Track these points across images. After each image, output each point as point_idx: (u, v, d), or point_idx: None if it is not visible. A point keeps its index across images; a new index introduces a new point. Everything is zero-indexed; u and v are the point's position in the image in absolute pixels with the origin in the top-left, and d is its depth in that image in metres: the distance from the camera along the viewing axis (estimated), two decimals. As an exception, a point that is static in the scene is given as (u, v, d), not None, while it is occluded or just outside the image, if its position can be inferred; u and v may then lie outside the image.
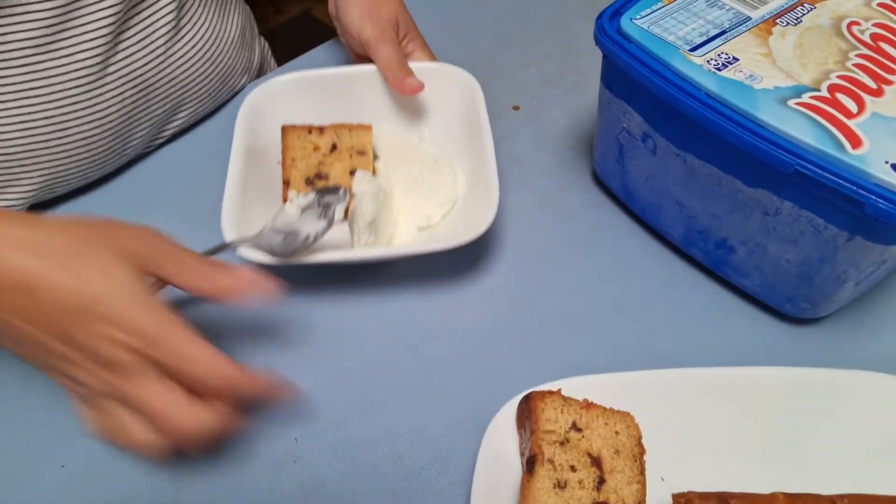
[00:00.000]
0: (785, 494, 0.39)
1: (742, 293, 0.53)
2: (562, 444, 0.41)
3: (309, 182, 0.57)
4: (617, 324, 0.52)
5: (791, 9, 0.48)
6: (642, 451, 0.41)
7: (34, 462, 0.45)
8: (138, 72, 0.57)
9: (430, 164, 0.58)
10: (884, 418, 0.44)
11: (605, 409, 0.42)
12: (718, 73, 0.44)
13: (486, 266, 0.56)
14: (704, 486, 0.40)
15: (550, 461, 0.40)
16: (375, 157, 0.60)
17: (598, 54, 0.50)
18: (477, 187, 0.54)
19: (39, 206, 0.60)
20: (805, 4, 0.48)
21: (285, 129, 0.57)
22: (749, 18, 0.48)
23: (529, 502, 0.39)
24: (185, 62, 0.61)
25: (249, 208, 0.52)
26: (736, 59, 0.45)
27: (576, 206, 0.59)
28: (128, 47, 0.56)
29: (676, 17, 0.48)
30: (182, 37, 0.60)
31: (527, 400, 0.43)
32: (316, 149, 0.58)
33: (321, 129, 0.58)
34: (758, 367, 0.46)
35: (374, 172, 0.58)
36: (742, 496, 0.39)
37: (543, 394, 0.42)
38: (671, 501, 0.40)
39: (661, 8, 0.49)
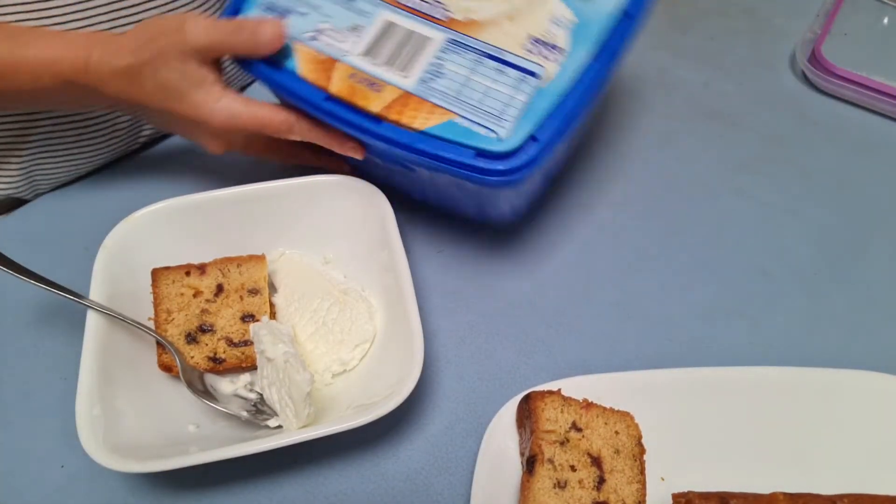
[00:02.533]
0: (785, 494, 0.39)
1: (742, 293, 0.53)
2: (562, 443, 0.41)
3: (191, 338, 0.47)
4: (617, 324, 0.52)
5: None
6: (642, 451, 0.42)
7: (34, 462, 0.45)
8: None
9: (338, 298, 0.50)
10: (884, 418, 0.44)
11: (605, 409, 0.42)
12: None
13: (485, 266, 0.56)
14: (704, 486, 0.40)
15: (550, 461, 0.40)
16: (274, 290, 0.51)
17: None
18: (397, 325, 0.46)
19: (24, 201, 0.60)
20: None
21: (157, 274, 0.48)
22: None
23: (529, 502, 0.39)
24: None
25: (118, 398, 0.42)
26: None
27: (575, 206, 0.59)
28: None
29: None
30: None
31: (527, 400, 0.43)
32: (197, 294, 0.48)
33: (202, 269, 0.48)
34: (758, 367, 0.46)
35: (272, 314, 0.49)
36: (742, 496, 0.39)
37: (543, 394, 0.42)
38: (671, 501, 0.40)
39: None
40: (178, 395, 0.45)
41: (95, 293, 0.45)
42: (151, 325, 0.47)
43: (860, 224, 0.59)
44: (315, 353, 0.48)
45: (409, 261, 0.47)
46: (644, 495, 0.40)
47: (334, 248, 0.53)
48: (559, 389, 0.43)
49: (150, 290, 0.48)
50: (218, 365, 0.46)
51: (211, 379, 0.46)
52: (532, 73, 0.43)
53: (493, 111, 0.43)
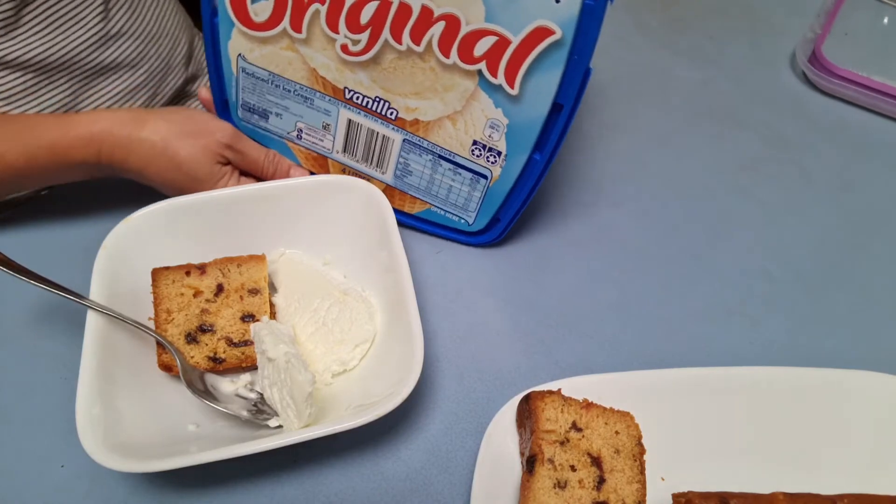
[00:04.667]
0: (785, 494, 0.39)
1: (742, 293, 0.53)
2: (562, 443, 0.41)
3: (191, 338, 0.46)
4: (617, 324, 0.52)
5: None
6: (642, 451, 0.42)
7: (34, 462, 0.45)
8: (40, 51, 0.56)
9: (338, 299, 0.50)
10: (884, 418, 0.44)
11: (605, 409, 0.42)
12: None
13: (485, 266, 0.56)
14: (704, 486, 0.40)
15: (550, 461, 0.40)
16: (274, 290, 0.51)
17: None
18: (397, 325, 0.46)
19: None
20: None
21: (157, 273, 0.47)
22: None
23: (530, 502, 0.39)
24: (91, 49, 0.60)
25: (118, 398, 0.42)
26: None
27: (575, 205, 0.59)
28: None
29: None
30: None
31: (527, 400, 0.43)
32: (197, 294, 0.48)
33: (202, 269, 0.48)
34: (758, 367, 0.46)
35: (272, 314, 0.49)
36: (742, 496, 0.39)
37: (543, 394, 0.42)
38: (671, 501, 0.40)
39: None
40: (178, 394, 0.45)
41: (95, 293, 0.45)
42: (151, 324, 0.47)
43: (860, 223, 0.59)
44: (315, 353, 0.48)
45: (409, 261, 0.47)
46: (644, 495, 0.40)
47: (334, 248, 0.53)
48: (559, 389, 0.43)
49: (150, 290, 0.48)
50: (218, 365, 0.46)
51: (211, 379, 0.46)
52: (482, 175, 0.50)
53: (459, 204, 0.53)
